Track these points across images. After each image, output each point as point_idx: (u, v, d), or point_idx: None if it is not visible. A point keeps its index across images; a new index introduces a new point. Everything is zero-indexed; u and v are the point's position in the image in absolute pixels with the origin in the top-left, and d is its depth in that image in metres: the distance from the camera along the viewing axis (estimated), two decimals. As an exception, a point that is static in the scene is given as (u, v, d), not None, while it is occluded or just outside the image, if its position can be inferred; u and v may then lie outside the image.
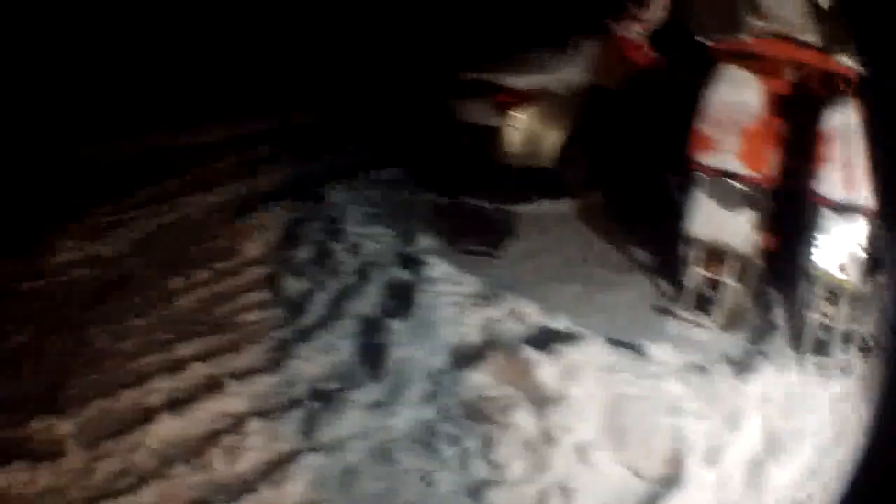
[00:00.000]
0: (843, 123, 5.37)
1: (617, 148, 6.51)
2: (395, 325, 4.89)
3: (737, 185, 5.29)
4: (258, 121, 8.22)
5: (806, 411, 4.61)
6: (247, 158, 7.49)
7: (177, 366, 4.53)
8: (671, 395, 4.43)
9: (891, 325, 5.39)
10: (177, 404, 4.23)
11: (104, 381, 4.40)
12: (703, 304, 5.34)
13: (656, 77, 6.46)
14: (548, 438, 4.17)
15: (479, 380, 4.47)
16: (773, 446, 4.37)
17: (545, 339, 4.69)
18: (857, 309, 5.27)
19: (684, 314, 5.32)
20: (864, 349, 5.28)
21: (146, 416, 4.15)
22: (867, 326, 5.39)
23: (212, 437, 4.05)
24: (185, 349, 4.70)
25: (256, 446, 4.02)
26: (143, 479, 3.80)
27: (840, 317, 5.14)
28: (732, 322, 5.35)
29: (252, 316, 5.11)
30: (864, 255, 5.17)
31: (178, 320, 5.03)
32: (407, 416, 4.33)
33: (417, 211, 6.33)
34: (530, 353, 4.51)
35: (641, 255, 5.96)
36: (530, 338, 4.77)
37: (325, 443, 4.08)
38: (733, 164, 5.31)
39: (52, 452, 3.90)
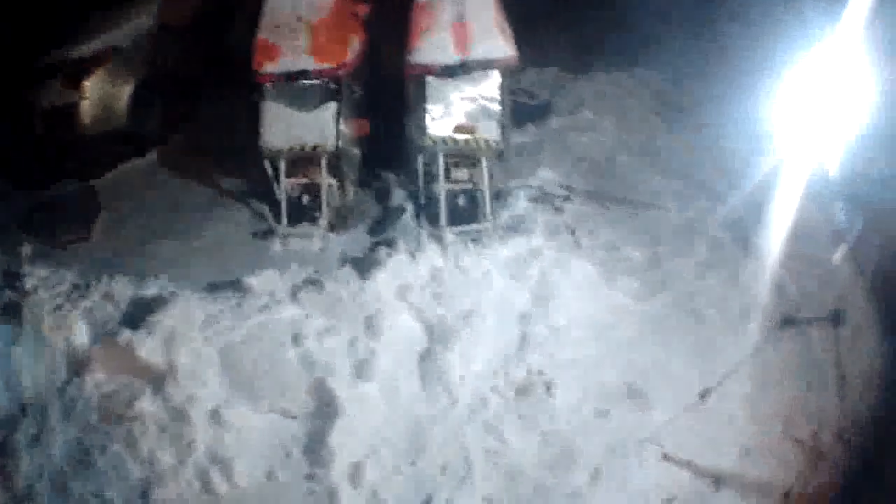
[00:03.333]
0: None
1: (195, 84, 6.19)
2: (15, 351, 4.41)
3: (309, 82, 4.93)
4: None
5: (471, 287, 4.33)
6: None
7: None
8: (289, 323, 4.15)
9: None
10: None
11: None
12: (304, 213, 5.02)
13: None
14: (179, 416, 3.90)
15: (97, 379, 4.13)
16: (439, 335, 4.12)
17: (141, 313, 4.34)
18: (506, 164, 5.07)
19: (286, 230, 4.99)
20: (548, 200, 5.10)
21: None
22: (550, 176, 5.24)
23: None
24: None
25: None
26: None
27: (482, 177, 4.88)
28: (342, 221, 5.08)
29: None
30: (498, 107, 4.89)
31: None
32: (59, 444, 3.98)
33: (14, 219, 5.69)
34: (128, 333, 4.17)
35: (232, 183, 5.61)
36: (126, 316, 4.41)
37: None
38: (303, 61, 4.90)
39: None
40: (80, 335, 4.39)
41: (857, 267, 4.78)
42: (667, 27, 6.52)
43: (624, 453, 3.84)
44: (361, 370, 3.94)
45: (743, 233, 4.95)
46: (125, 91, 5.89)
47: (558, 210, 5.04)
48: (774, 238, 4.72)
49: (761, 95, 5.22)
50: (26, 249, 5.20)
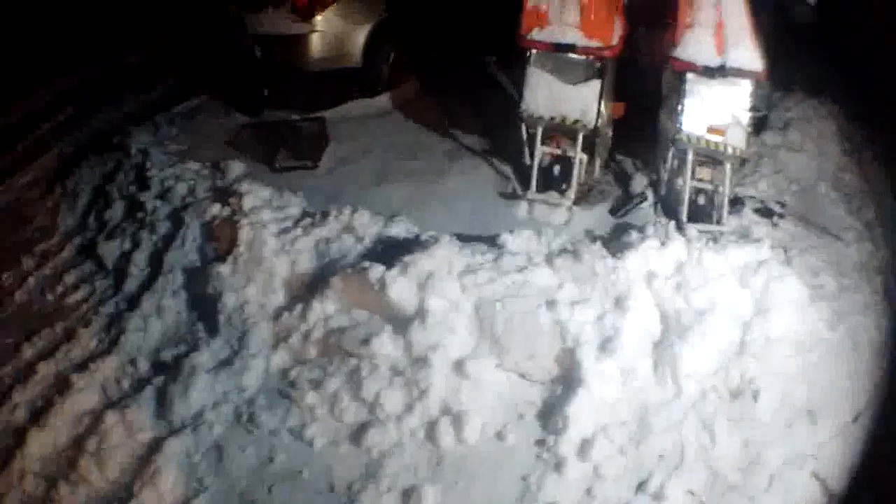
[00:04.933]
0: None
1: (429, 34, 6.28)
2: (222, 269, 4.48)
3: (575, 56, 5.04)
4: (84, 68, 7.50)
5: (708, 286, 4.37)
6: (52, 123, 6.85)
7: (28, 372, 4.26)
8: (544, 287, 4.15)
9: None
10: (38, 416, 3.98)
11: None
12: (551, 182, 5.15)
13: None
14: (418, 361, 3.90)
15: (326, 310, 4.13)
16: (675, 326, 4.18)
17: (389, 251, 4.35)
18: (739, 172, 5.15)
19: (535, 196, 5.10)
20: (768, 213, 5.21)
21: (16, 437, 3.89)
22: (767, 191, 5.35)
23: (77, 444, 3.83)
24: (29, 350, 4.44)
25: (119, 443, 3.80)
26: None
27: (723, 181, 4.99)
28: (585, 197, 5.20)
29: (79, 294, 4.80)
30: (747, 116, 4.99)
31: (16, 318, 4.73)
32: (258, 369, 4.07)
33: (226, 137, 5.91)
34: (375, 269, 4.14)
35: (470, 140, 5.68)
36: (371, 252, 4.44)
37: (183, 421, 3.87)
38: (572, 35, 5.02)
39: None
40: (310, 262, 4.39)
41: None
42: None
43: (794, 467, 3.97)
44: (606, 345, 3.98)
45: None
46: (359, 32, 6.05)
47: (776, 226, 5.17)
48: None
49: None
50: (237, 167, 5.38)
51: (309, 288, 4.30)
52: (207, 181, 5.33)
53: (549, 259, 4.35)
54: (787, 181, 5.69)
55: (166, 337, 4.36)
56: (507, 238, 4.49)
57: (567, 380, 3.93)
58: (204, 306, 4.43)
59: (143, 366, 4.19)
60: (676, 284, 4.34)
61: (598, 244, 4.59)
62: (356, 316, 4.12)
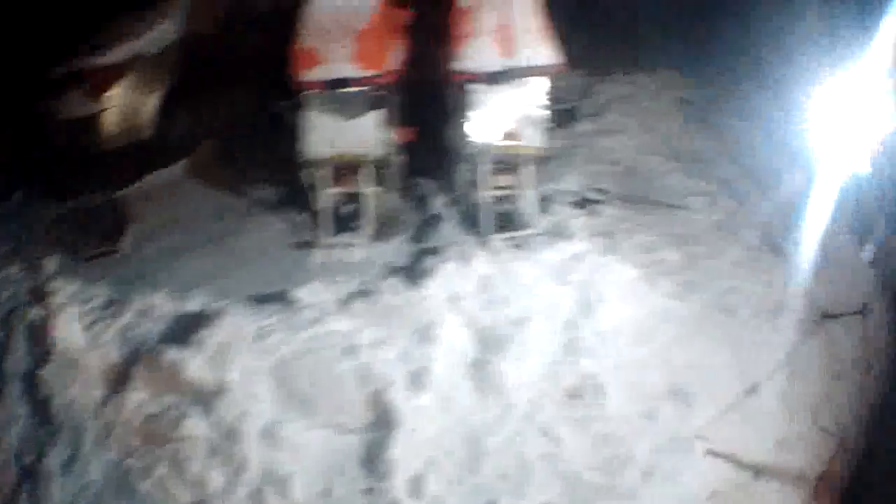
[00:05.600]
0: None
1: (223, 91, 6.09)
2: (45, 372, 4.31)
3: (352, 90, 4.86)
4: None
5: (520, 293, 4.29)
6: None
7: None
8: (343, 335, 4.08)
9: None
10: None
11: None
12: (347, 222, 5.00)
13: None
14: (230, 435, 3.84)
15: (138, 398, 4.06)
16: (492, 343, 4.10)
17: (184, 329, 4.24)
18: (545, 169, 5.05)
19: (329, 241, 4.94)
20: (584, 204, 5.11)
21: None
22: (583, 181, 5.27)
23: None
24: None
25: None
26: None
27: (524, 183, 4.89)
28: (384, 230, 5.04)
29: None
30: (543, 113, 4.88)
31: None
32: (97, 465, 3.93)
33: (44, 231, 5.60)
34: (172, 352, 4.07)
35: (268, 193, 5.57)
36: (168, 334, 4.30)
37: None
38: (346, 69, 4.83)
39: None
40: (119, 352, 4.27)
41: (881, 267, 4.94)
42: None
43: (672, 451, 3.89)
44: (417, 380, 3.92)
45: (772, 235, 5.06)
46: (150, 101, 5.80)
47: (595, 214, 5.09)
48: (804, 241, 4.79)
49: (788, 102, 5.32)
50: (52, 263, 5.06)
51: (121, 378, 4.21)
52: (28, 282, 5.04)
53: (345, 305, 4.29)
54: (607, 165, 5.63)
55: (25, 443, 4.18)
56: (299, 293, 4.37)
57: (383, 423, 3.83)
58: (44, 410, 4.26)
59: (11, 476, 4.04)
60: (486, 301, 4.25)
61: (396, 277, 4.50)
62: (166, 400, 4.06)
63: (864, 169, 4.90)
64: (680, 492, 3.80)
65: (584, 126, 5.97)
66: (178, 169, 5.98)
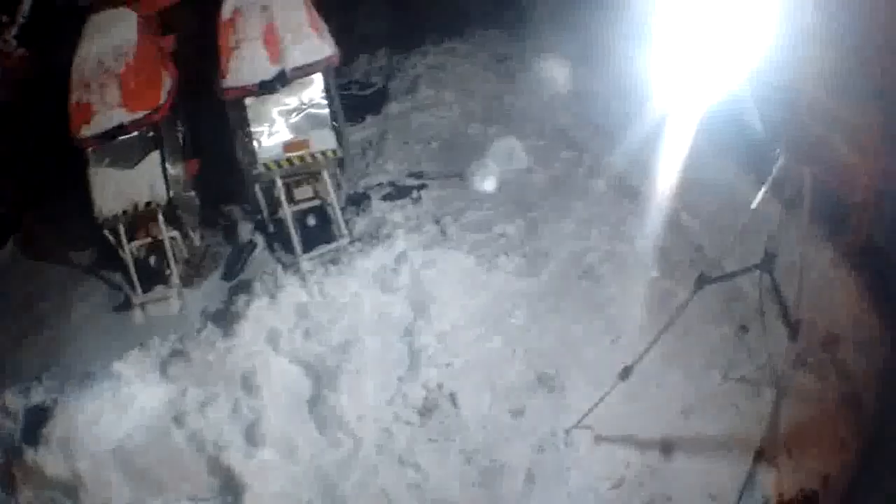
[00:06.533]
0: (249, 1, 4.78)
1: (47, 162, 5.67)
2: None
3: (128, 136, 4.61)
4: None
5: (342, 314, 4.11)
6: None
7: None
8: (166, 404, 3.91)
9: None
10: None
11: None
12: (156, 273, 4.81)
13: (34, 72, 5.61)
14: None
15: (27, 497, 3.96)
16: (323, 376, 3.91)
17: (36, 425, 4.10)
18: (350, 168, 4.92)
19: (141, 298, 4.75)
20: (403, 193, 4.94)
21: None
22: (398, 168, 5.08)
23: None
24: None
25: None
26: None
27: (323, 191, 4.69)
28: (195, 271, 4.86)
29: None
30: (328, 110, 4.71)
31: None
32: None
33: None
34: (31, 451, 3.97)
35: (87, 255, 5.32)
36: (25, 431, 4.16)
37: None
38: (116, 116, 4.55)
39: None
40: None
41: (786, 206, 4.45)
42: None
43: (553, 447, 3.67)
44: (252, 436, 3.74)
45: (622, 178, 4.76)
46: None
47: (416, 201, 4.87)
48: (670, 186, 4.43)
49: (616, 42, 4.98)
50: None
51: (7, 479, 4.06)
52: None
53: (163, 370, 4.10)
54: (423, 144, 5.37)
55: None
56: (118, 367, 4.19)
57: (229, 489, 3.66)
58: None
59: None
60: (305, 331, 4.05)
61: (212, 325, 4.29)
62: (47, 494, 3.94)
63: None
64: (573, 489, 3.54)
65: (397, 106, 5.73)
66: (6, 252, 5.66)
